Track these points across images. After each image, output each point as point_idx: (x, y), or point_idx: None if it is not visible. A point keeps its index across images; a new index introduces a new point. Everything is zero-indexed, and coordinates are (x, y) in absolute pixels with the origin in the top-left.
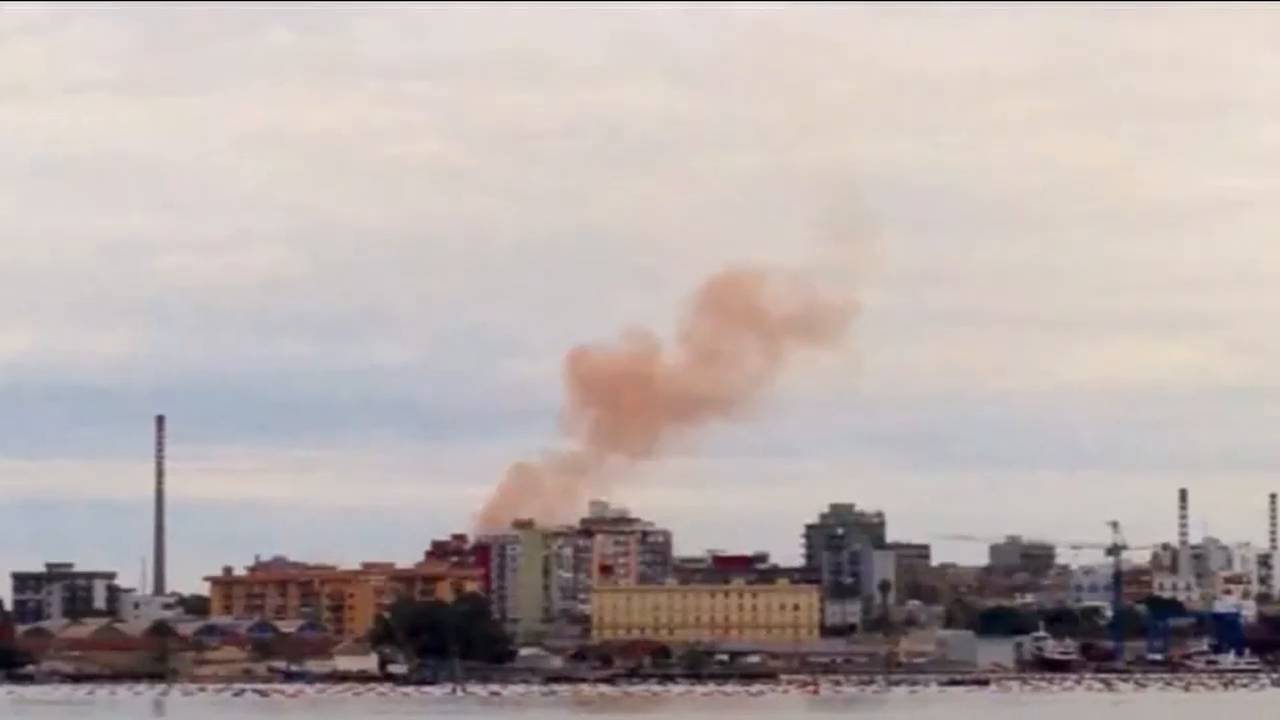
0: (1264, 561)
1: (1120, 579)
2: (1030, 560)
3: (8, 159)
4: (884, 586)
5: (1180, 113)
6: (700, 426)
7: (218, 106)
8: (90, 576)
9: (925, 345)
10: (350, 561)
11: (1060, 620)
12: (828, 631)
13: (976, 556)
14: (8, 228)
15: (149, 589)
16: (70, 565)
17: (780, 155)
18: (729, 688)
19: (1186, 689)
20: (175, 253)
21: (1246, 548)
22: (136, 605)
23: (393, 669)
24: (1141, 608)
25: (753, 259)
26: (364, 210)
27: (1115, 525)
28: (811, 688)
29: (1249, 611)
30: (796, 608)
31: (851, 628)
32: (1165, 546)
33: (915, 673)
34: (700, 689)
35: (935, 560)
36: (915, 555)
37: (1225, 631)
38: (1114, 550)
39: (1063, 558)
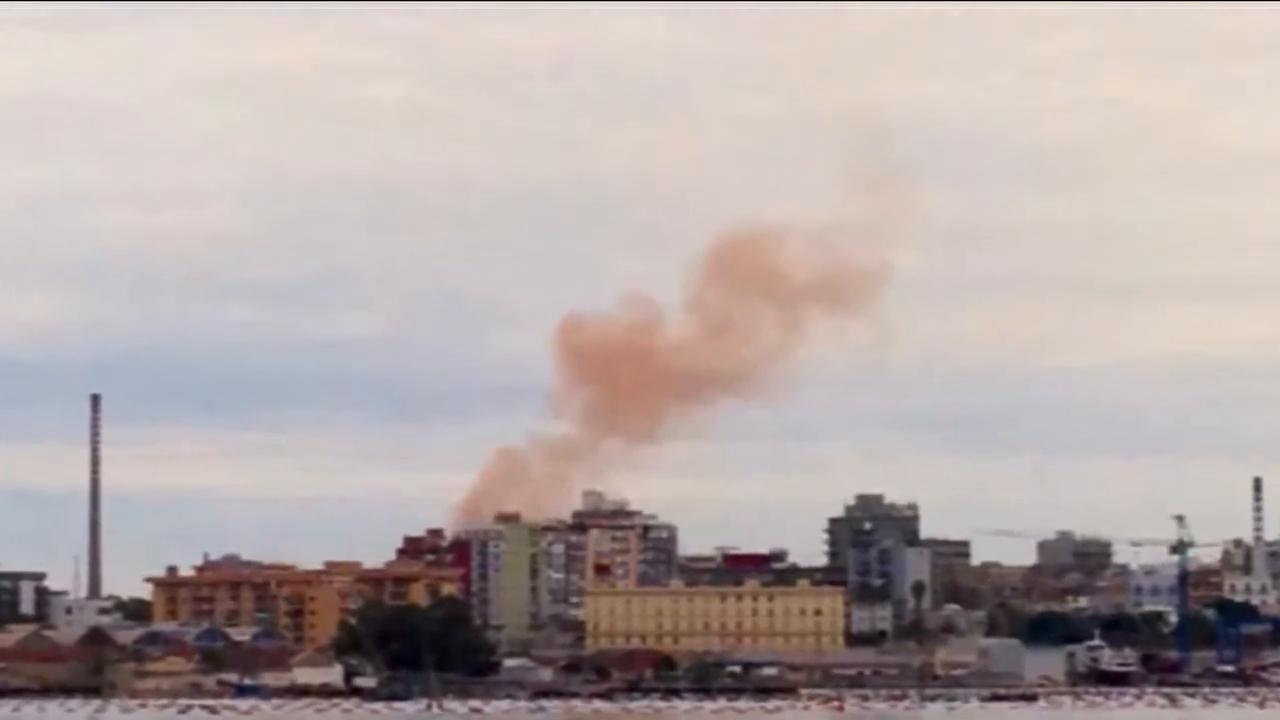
0: None
1: (1186, 580)
2: (1084, 559)
3: None
4: (918, 589)
5: (1256, 50)
6: (709, 407)
7: (160, 43)
8: (16, 577)
9: (966, 314)
10: (311, 560)
11: (1118, 627)
12: (854, 640)
13: (1023, 555)
14: None
15: (82, 592)
16: None
17: (800, 97)
18: (742, 704)
19: (1261, 705)
20: (112, 208)
21: None
22: (68, 610)
23: (360, 682)
24: (1210, 613)
25: (769, 215)
26: (326, 160)
27: (1181, 519)
28: (836, 704)
29: None
30: (818, 613)
31: (881, 635)
32: (1238, 543)
33: (953, 686)
34: (709, 705)
35: (976, 559)
36: (953, 553)
37: None
38: (1179, 548)
39: (1121, 556)
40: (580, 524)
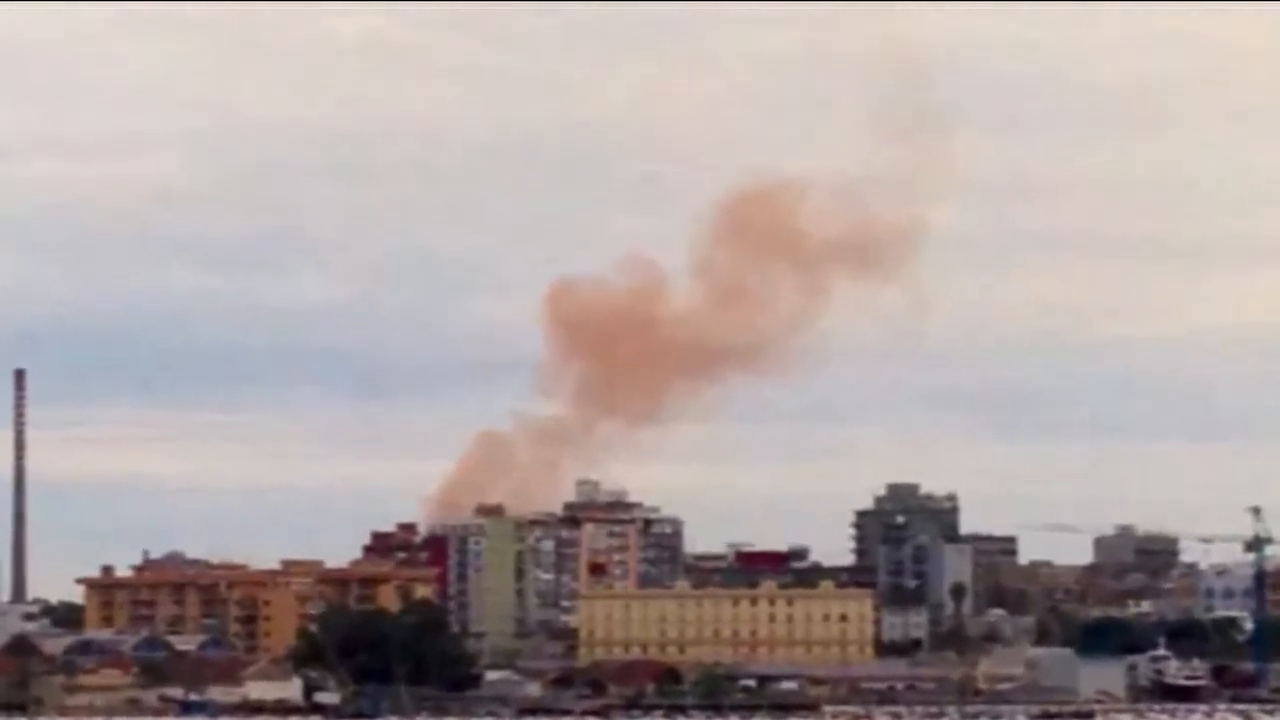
0: None
1: (1264, 581)
2: (1147, 557)
3: None
4: (957, 591)
5: None
6: (719, 384)
7: None
8: None
9: (1013, 279)
10: (266, 559)
11: (1186, 635)
12: (885, 649)
13: (1078, 552)
14: None
15: (5, 595)
16: None
17: (823, 32)
18: None
19: None
20: (40, 158)
21: None
22: None
23: (321, 698)
24: None
25: (787, 166)
26: (281, 104)
27: (1258, 512)
28: None
29: None
30: (844, 619)
31: (915, 645)
32: None
33: (998, 702)
34: None
35: (1024, 557)
36: (998, 551)
37: None
38: (1255, 544)
39: (1189, 554)
40: (573, 517)
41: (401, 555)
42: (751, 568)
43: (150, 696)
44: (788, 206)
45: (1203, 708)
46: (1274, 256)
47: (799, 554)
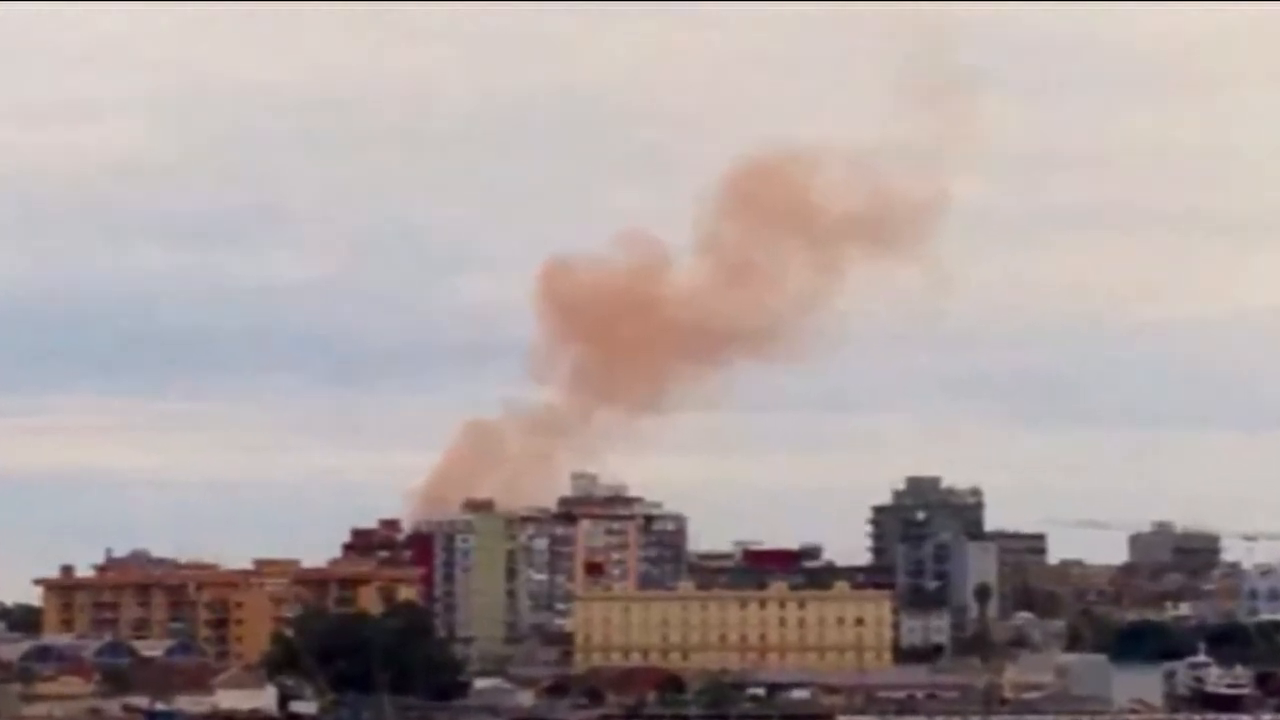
0: None
1: None
2: (1187, 556)
3: None
4: (982, 593)
5: None
6: (726, 369)
7: None
8: None
9: (1043, 256)
10: (238, 558)
11: (1228, 640)
12: (904, 656)
13: (1112, 551)
14: None
15: None
16: None
17: None
18: None
19: None
20: None
21: None
22: None
23: (298, 708)
24: None
25: (800, 135)
26: (254, 67)
27: None
28: None
29: None
30: (860, 622)
31: (937, 650)
32: None
33: (1025, 712)
34: None
35: (1053, 556)
36: (1026, 549)
37: None
38: None
39: (1232, 553)
40: (568, 513)
41: (383, 554)
42: (760, 568)
43: (113, 706)
44: (800, 178)
45: (1245, 717)
46: None
47: (811, 553)
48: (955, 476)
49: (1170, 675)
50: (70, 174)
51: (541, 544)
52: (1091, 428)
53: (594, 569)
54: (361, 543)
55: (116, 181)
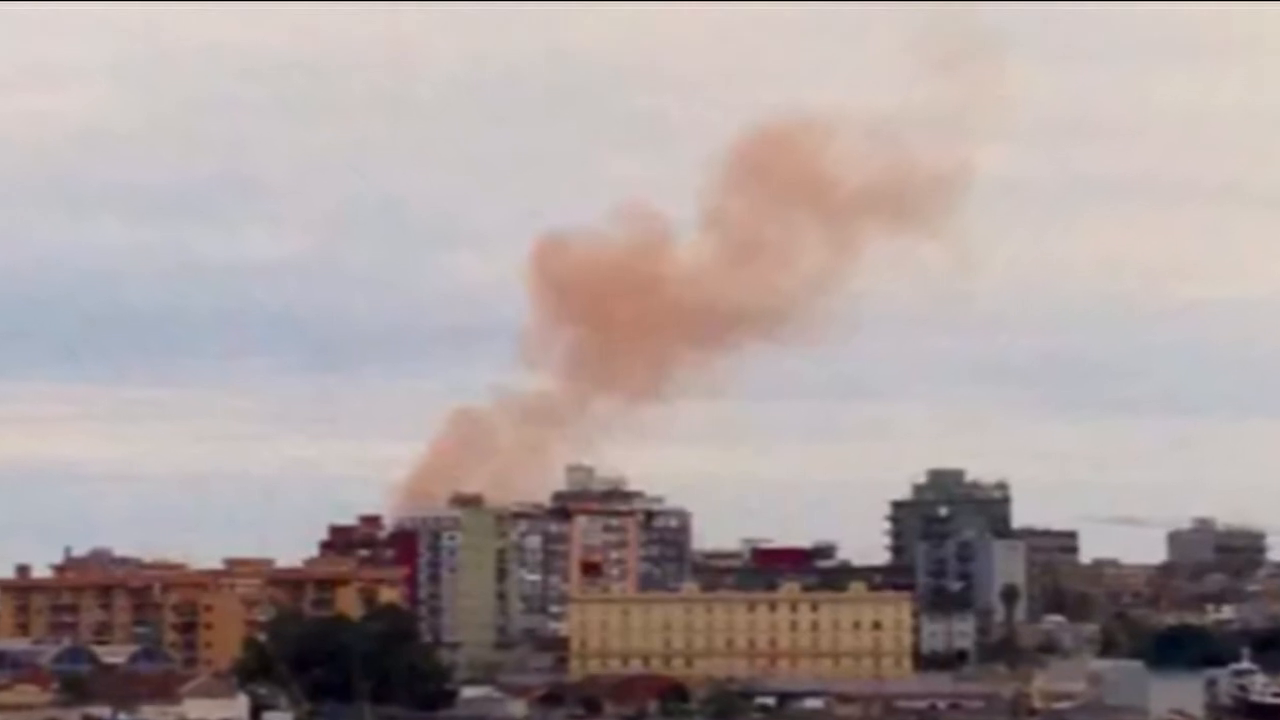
0: None
1: None
2: (1230, 556)
3: None
4: (1009, 595)
5: None
6: (733, 354)
7: None
8: None
9: (1073, 231)
10: (207, 557)
11: (1274, 645)
12: (925, 662)
13: (1149, 550)
14: None
15: None
16: None
17: None
18: None
19: None
20: None
21: None
22: None
23: (272, 718)
24: None
25: (812, 101)
26: (225, 30)
27: None
28: None
29: None
30: (878, 626)
31: (960, 657)
32: None
33: None
34: None
35: (1086, 555)
36: (1056, 548)
37: None
38: None
39: (1278, 551)
40: (563, 509)
41: (364, 553)
42: (770, 568)
43: (73, 716)
44: (812, 148)
45: None
46: None
47: (825, 552)
48: (980, 469)
49: (1212, 684)
50: (28, 143)
51: (534, 542)
52: (1127, 416)
53: (591, 569)
54: (340, 541)
55: (77, 151)
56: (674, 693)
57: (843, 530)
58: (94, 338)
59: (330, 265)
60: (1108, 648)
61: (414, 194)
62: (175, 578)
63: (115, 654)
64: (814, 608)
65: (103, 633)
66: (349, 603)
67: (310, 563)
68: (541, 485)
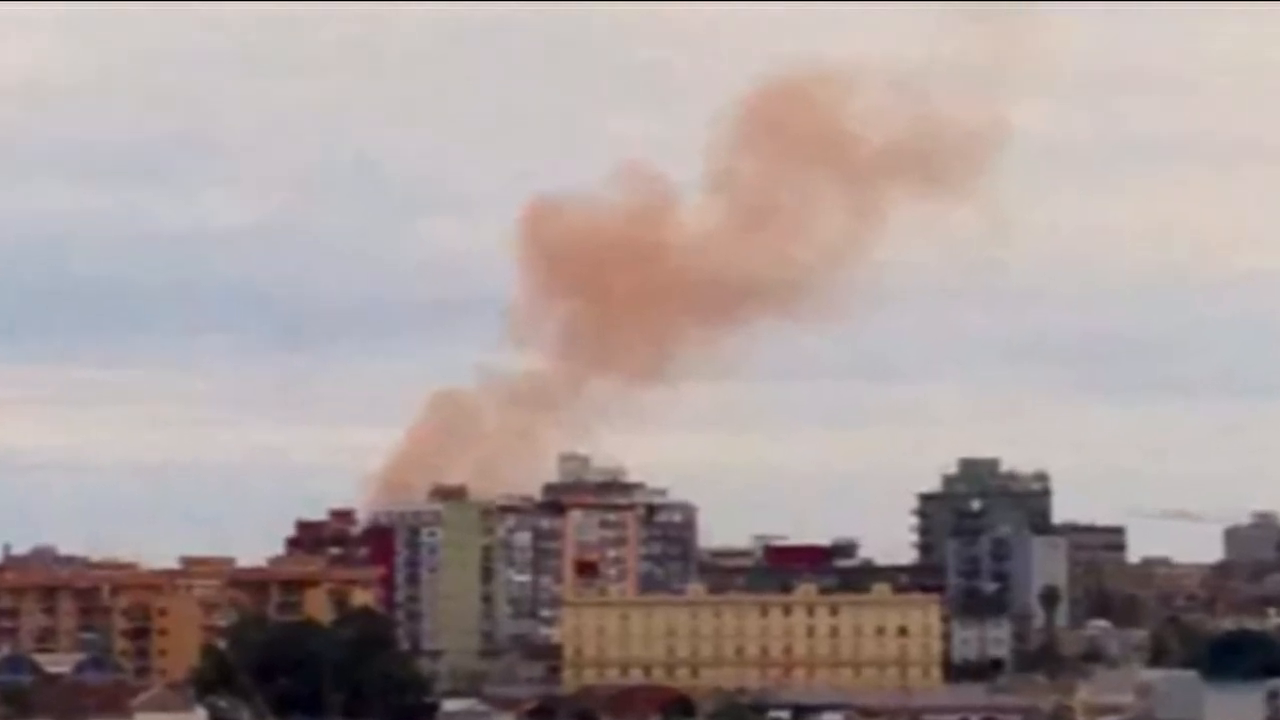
0: None
1: None
2: None
3: None
4: (1049, 597)
5: None
6: (743, 330)
7: None
8: None
9: (1117, 196)
10: (162, 556)
11: None
12: (956, 672)
13: (1204, 548)
14: None
15: None
16: None
17: None
18: None
19: None
20: None
21: None
22: None
23: None
24: None
25: (831, 54)
26: None
27: None
28: None
29: None
30: (904, 632)
31: (995, 665)
32: None
33: None
34: None
35: (1134, 554)
36: (1101, 545)
37: None
38: None
39: None
40: (555, 502)
41: (335, 551)
42: (785, 568)
43: None
44: (831, 103)
45: None
46: None
47: (846, 550)
48: (1016, 458)
49: (1273, 696)
50: None
51: (523, 539)
52: (1178, 400)
53: (586, 569)
54: (309, 537)
55: (18, 107)
56: (678, 706)
57: (865, 526)
58: (37, 313)
59: (298, 233)
60: (1158, 656)
61: (390, 154)
62: (126, 578)
63: (59, 663)
64: (833, 612)
65: (46, 639)
66: (318, 606)
67: (275, 562)
68: (531, 476)
